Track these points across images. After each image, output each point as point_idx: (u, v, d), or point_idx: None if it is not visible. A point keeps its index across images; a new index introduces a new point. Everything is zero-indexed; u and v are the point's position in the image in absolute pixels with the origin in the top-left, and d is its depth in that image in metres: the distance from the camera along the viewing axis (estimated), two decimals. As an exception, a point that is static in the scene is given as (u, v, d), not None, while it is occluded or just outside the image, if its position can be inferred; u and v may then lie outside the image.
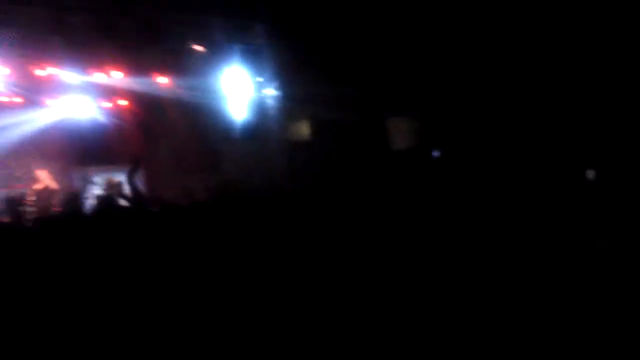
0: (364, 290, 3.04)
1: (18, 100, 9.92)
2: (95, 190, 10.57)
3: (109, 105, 10.86)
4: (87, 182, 10.98)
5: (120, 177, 10.53)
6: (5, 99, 9.83)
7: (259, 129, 9.93)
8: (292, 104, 9.79)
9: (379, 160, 8.99)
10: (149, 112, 10.83)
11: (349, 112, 9.15)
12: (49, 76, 9.10)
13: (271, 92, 9.87)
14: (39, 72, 8.90)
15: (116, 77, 9.37)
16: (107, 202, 3.93)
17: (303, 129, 10.34)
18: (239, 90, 9.90)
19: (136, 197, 4.04)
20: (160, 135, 11.22)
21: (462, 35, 7.94)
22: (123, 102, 10.83)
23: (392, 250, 3.48)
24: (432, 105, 8.88)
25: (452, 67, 8.21)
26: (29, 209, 9.54)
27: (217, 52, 9.22)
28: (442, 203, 4.70)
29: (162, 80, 9.97)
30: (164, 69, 9.67)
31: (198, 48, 8.96)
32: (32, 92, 9.70)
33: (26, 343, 2.38)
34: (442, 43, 8.23)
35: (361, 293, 3.00)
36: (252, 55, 9.23)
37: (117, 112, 11.07)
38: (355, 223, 3.90)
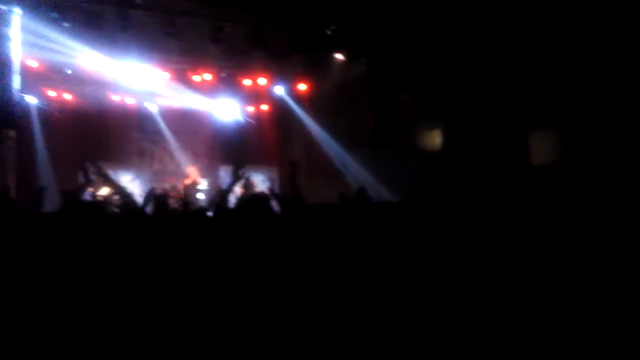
0: (494, 309, 2.91)
1: (175, 101, 11.02)
2: (236, 187, 11.35)
3: (252, 109, 11.60)
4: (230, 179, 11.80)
5: (259, 177, 11.22)
6: (163, 101, 10.98)
7: (387, 136, 9.82)
8: (425, 112, 9.61)
9: (517, 174, 8.50)
10: (286, 116, 11.36)
11: (487, 122, 8.78)
12: (203, 81, 9.95)
13: (404, 100, 9.77)
14: (195, 77, 9.78)
15: (261, 83, 9.98)
16: (250, 199, 3.99)
17: (436, 139, 10.10)
18: (374, 97, 9.90)
19: (287, 196, 4.12)
20: (295, 138, 11.71)
21: (611, 42, 7.26)
22: (265, 107, 11.49)
23: (532, 271, 3.24)
24: (579, 116, 8.20)
25: (601, 76, 7.53)
26: (177, 201, 10.53)
27: (353, 58, 9.36)
28: (589, 223, 4.28)
29: (302, 87, 10.41)
30: (304, 76, 10.10)
31: (338, 56, 9.22)
32: (187, 95, 10.70)
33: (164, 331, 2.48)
34: (591, 50, 7.59)
35: (490, 311, 2.88)
36: (388, 62, 9.17)
37: (259, 116, 11.77)
38: (489, 239, 3.69)
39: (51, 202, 4.44)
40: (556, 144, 8.89)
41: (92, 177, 3.81)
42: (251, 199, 3.70)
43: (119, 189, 3.57)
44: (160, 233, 3.10)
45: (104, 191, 8.55)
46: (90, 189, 6.64)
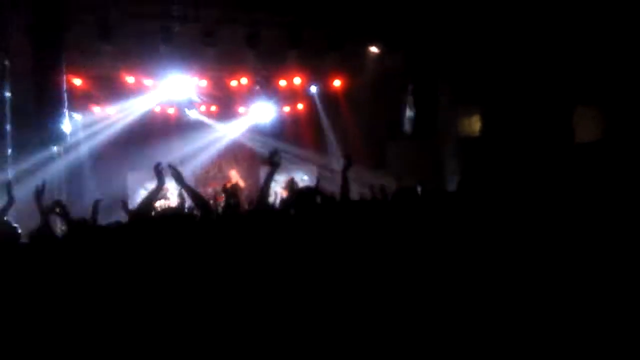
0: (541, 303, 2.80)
1: (213, 109, 11.23)
2: (277, 188, 11.53)
3: (288, 109, 11.72)
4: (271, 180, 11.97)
5: (298, 176, 11.36)
6: (203, 108, 11.20)
7: (427, 126, 9.78)
8: (464, 99, 9.53)
9: (561, 156, 8.35)
10: (323, 113, 11.44)
11: (527, 102, 8.64)
12: (240, 86, 10.13)
13: (439, 86, 9.66)
14: (232, 82, 9.97)
15: (296, 82, 10.11)
16: (297, 195, 3.97)
17: (475, 124, 9.99)
18: (408, 85, 9.82)
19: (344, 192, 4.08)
20: (333, 133, 11.77)
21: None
22: (300, 106, 11.61)
23: (580, 259, 3.12)
24: (622, 92, 8.01)
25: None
26: (221, 204, 10.74)
27: (390, 51, 9.35)
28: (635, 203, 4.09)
29: (336, 83, 10.50)
30: (338, 72, 10.18)
31: (373, 50, 9.25)
32: (226, 101, 10.90)
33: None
34: (635, 25, 7.41)
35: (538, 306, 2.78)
36: (424, 51, 9.12)
37: (295, 115, 11.88)
38: (535, 227, 3.53)
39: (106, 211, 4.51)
40: (599, 121, 8.71)
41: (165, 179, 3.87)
42: (298, 195, 3.64)
43: (192, 194, 3.67)
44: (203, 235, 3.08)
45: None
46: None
